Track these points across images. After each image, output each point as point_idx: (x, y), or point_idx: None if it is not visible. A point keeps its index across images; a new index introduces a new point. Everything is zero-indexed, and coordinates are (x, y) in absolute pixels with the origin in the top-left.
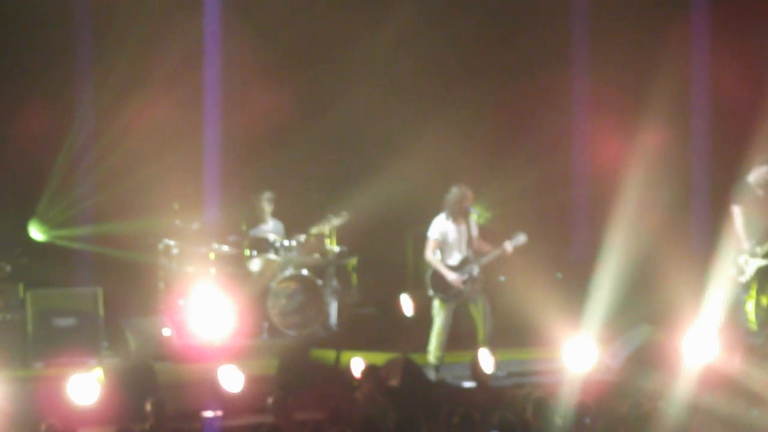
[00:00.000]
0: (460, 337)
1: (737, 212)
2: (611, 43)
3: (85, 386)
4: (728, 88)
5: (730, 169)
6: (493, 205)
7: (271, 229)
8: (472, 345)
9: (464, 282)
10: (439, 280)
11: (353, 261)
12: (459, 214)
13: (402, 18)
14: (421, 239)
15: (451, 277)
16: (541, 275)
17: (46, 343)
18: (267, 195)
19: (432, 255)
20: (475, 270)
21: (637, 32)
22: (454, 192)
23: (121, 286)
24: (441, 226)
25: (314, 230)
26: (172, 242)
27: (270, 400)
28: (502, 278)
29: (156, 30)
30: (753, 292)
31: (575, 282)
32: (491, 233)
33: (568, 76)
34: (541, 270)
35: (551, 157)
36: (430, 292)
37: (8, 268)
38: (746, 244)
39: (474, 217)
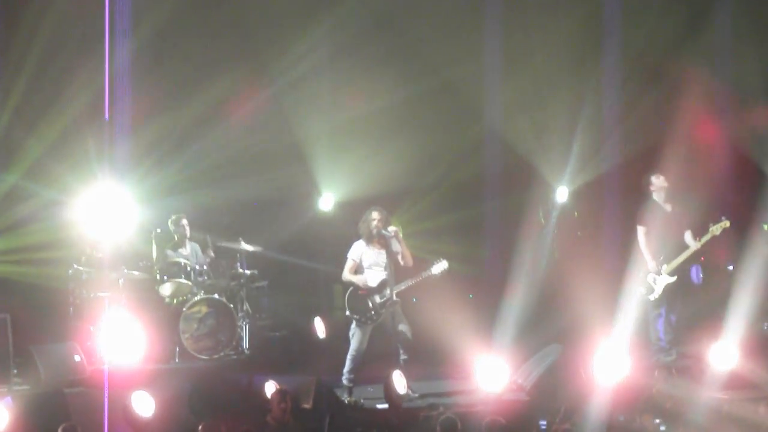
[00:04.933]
0: (375, 359)
1: (641, 232)
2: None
3: None
4: (639, 111)
5: (641, 187)
6: (406, 224)
7: (189, 252)
8: (386, 366)
9: (381, 304)
10: (355, 301)
11: (264, 284)
12: (372, 237)
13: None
14: (332, 262)
15: (369, 284)
16: (453, 295)
17: None
18: (184, 218)
19: (348, 274)
20: (393, 293)
21: (549, 53)
22: (364, 216)
23: (30, 312)
24: (359, 249)
25: (224, 244)
26: (82, 268)
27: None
28: (414, 299)
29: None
30: (662, 310)
31: (487, 302)
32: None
33: (481, 94)
34: (453, 290)
35: (463, 175)
36: (347, 313)
37: None
38: (652, 263)
39: (398, 232)
